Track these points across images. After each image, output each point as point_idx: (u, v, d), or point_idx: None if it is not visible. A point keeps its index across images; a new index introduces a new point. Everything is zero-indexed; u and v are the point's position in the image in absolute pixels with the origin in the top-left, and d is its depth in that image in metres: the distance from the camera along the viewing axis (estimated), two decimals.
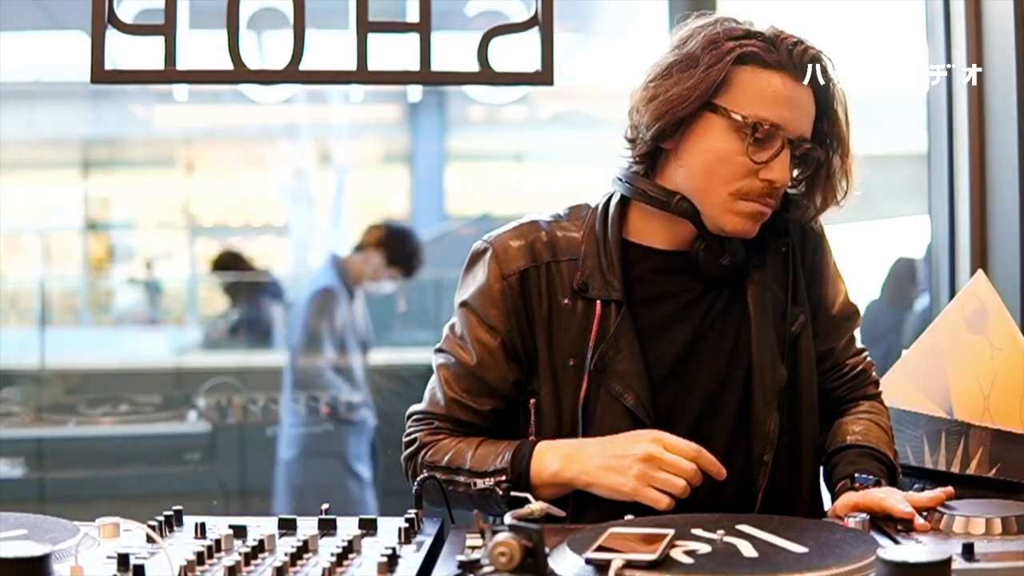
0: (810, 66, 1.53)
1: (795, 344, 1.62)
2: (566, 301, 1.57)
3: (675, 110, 1.51)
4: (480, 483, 1.52)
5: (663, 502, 1.43)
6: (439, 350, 1.66)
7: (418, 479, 1.52)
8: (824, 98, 1.56)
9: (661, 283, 1.60)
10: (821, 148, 1.57)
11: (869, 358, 1.74)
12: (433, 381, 1.65)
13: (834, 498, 1.56)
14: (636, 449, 1.46)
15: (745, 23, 1.54)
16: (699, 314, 1.59)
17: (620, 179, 1.61)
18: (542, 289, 1.58)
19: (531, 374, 1.59)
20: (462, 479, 1.54)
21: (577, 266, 1.58)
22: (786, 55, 1.51)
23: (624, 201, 1.62)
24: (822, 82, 1.54)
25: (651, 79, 1.54)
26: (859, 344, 1.74)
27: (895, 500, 1.41)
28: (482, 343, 1.59)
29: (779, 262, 1.63)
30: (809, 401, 1.63)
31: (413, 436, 1.63)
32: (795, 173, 1.57)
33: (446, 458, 1.57)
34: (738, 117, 1.50)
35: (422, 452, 1.60)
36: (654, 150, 1.57)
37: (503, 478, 1.51)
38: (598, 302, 1.56)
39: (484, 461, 1.54)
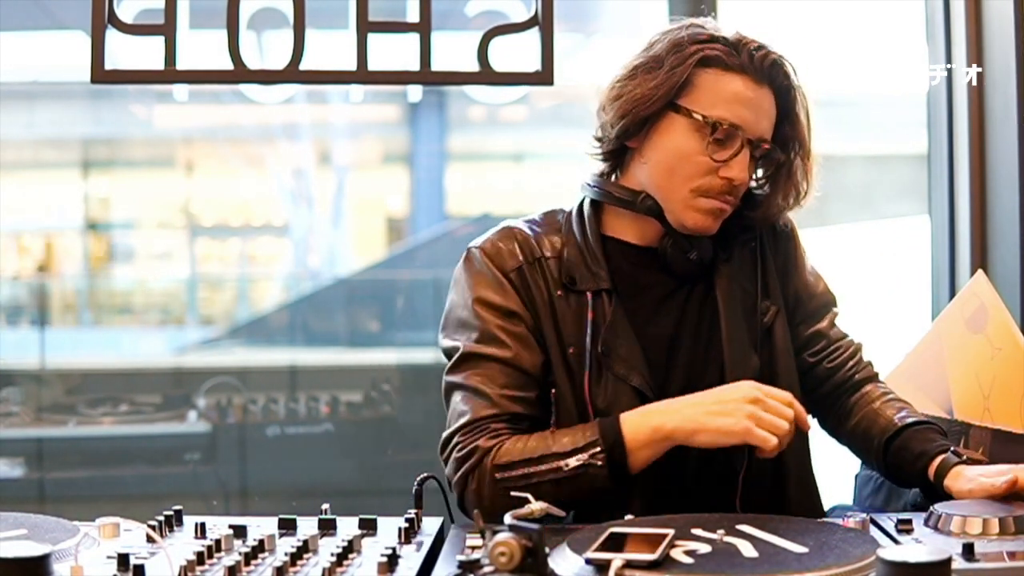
0: (771, 70, 1.57)
1: (769, 334, 1.66)
2: (559, 293, 1.61)
3: (639, 109, 1.56)
4: (573, 461, 1.47)
5: (771, 442, 1.43)
6: (457, 367, 1.60)
7: (418, 479, 1.52)
8: (785, 101, 1.61)
9: (639, 275, 1.64)
10: (783, 150, 1.62)
11: (856, 342, 1.78)
12: (460, 397, 1.59)
13: (921, 474, 1.57)
14: (739, 393, 1.47)
15: (711, 28, 1.59)
16: (676, 307, 1.64)
17: (588, 184, 1.67)
18: (538, 283, 1.61)
19: (546, 364, 1.60)
20: (547, 466, 1.48)
21: (562, 263, 1.62)
22: (748, 59, 1.56)
23: (596, 201, 1.67)
24: (783, 85, 1.60)
25: (617, 79, 1.60)
26: (843, 330, 1.78)
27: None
28: (510, 333, 1.59)
29: (748, 257, 1.69)
30: (787, 389, 1.64)
31: (471, 446, 1.54)
32: (758, 173, 1.62)
33: (524, 451, 1.50)
34: (699, 117, 1.55)
35: (486, 458, 1.52)
36: (620, 148, 1.63)
37: (597, 449, 1.47)
38: (588, 293, 1.59)
39: (568, 442, 1.49)
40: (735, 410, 1.45)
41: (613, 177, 1.68)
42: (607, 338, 1.58)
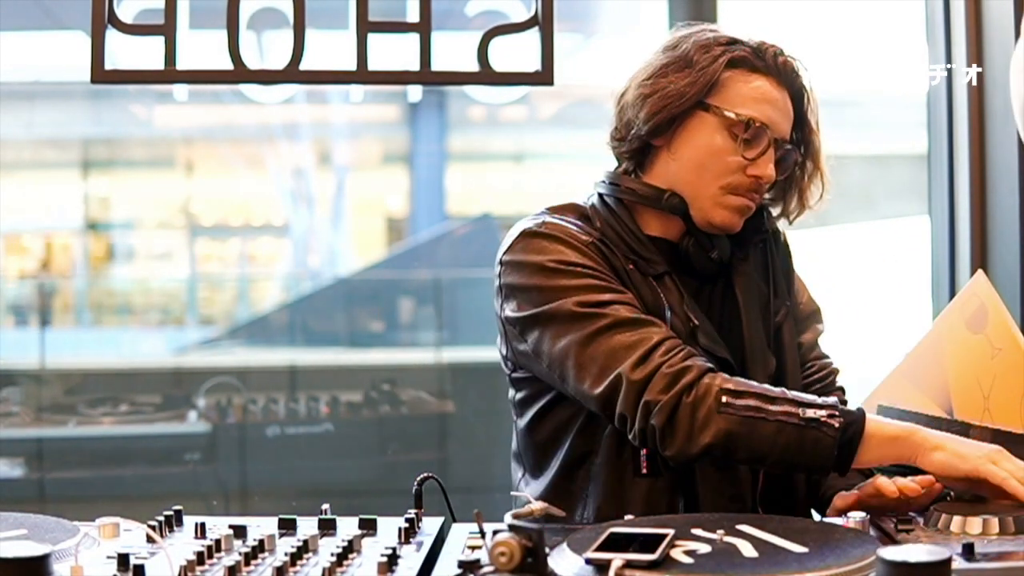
0: (790, 74, 1.62)
1: (779, 333, 1.68)
2: (631, 266, 1.60)
3: (671, 107, 1.58)
4: (809, 412, 1.41)
5: (1000, 475, 1.38)
6: (576, 318, 1.49)
7: (418, 479, 1.51)
8: (800, 106, 1.65)
9: (675, 269, 1.65)
10: (803, 152, 1.66)
11: (834, 365, 1.78)
12: (618, 332, 1.48)
13: (827, 506, 1.58)
14: (988, 445, 1.44)
15: (727, 32, 1.63)
16: (705, 303, 1.66)
17: (608, 182, 1.67)
18: (607, 255, 1.59)
19: None
20: (781, 408, 1.42)
21: (615, 249, 1.61)
22: (772, 62, 1.61)
23: (619, 199, 1.67)
24: (799, 90, 1.64)
25: (645, 78, 1.61)
26: (823, 349, 1.79)
27: (884, 481, 1.45)
28: (613, 283, 1.55)
29: (759, 257, 1.71)
30: (795, 389, 1.66)
31: (682, 364, 1.45)
32: (780, 174, 1.63)
33: (755, 386, 1.45)
34: (731, 115, 1.58)
35: (707, 377, 1.44)
36: (644, 146, 1.64)
37: (836, 412, 1.42)
38: (651, 277, 1.60)
39: (804, 398, 1.44)
40: (976, 448, 1.42)
41: (635, 176, 1.68)
42: (691, 314, 1.58)
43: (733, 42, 1.61)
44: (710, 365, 1.48)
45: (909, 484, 1.43)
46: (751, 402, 1.42)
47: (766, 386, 1.47)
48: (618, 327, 1.49)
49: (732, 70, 1.59)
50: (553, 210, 1.66)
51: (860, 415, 1.44)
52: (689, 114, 1.60)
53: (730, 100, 1.59)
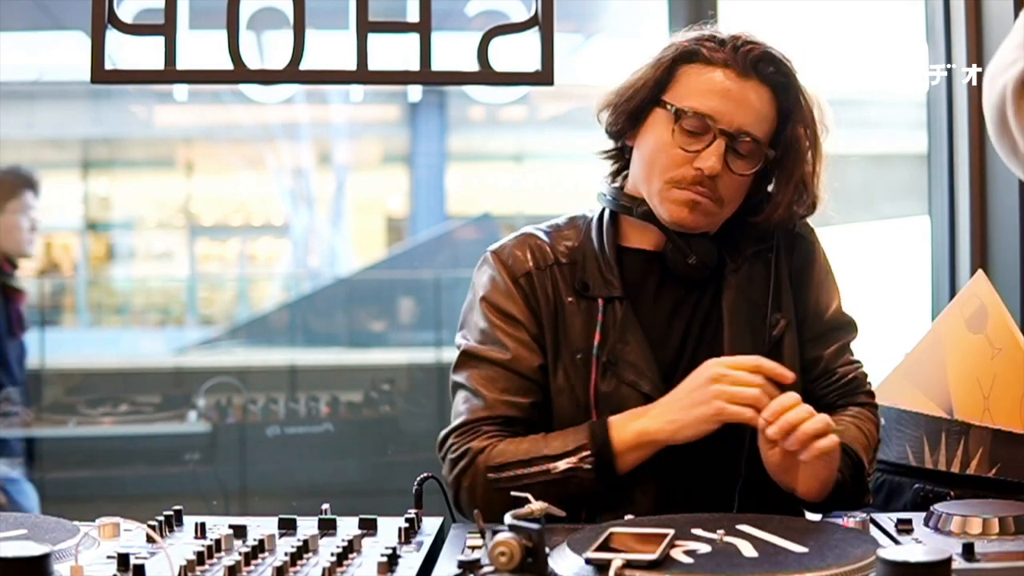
0: (757, 64, 1.57)
1: (777, 347, 1.63)
2: (570, 299, 1.62)
3: (619, 101, 1.62)
4: (562, 464, 1.51)
5: (746, 414, 1.45)
6: (460, 365, 1.64)
7: (418, 479, 1.52)
8: (786, 100, 1.60)
9: (652, 284, 1.65)
10: (786, 150, 1.61)
11: (863, 369, 1.73)
12: (461, 397, 1.63)
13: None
14: (703, 377, 1.50)
15: (710, 30, 1.61)
16: (686, 315, 1.64)
17: (601, 193, 1.70)
18: (548, 290, 1.63)
19: (544, 368, 1.63)
20: (537, 468, 1.52)
21: (575, 269, 1.64)
22: (731, 53, 1.57)
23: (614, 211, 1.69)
24: (779, 82, 1.58)
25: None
26: (853, 356, 1.73)
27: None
28: (511, 336, 1.62)
29: (760, 267, 1.66)
30: None
31: (463, 448, 1.58)
32: (743, 169, 1.57)
33: (516, 453, 1.55)
34: (670, 108, 1.57)
35: (479, 459, 1.56)
36: (621, 148, 1.68)
37: (586, 453, 1.51)
38: (600, 300, 1.61)
39: (558, 445, 1.54)
40: (703, 396, 1.48)
41: (619, 179, 1.69)
42: (615, 345, 1.59)
43: (698, 38, 1.59)
44: (487, 443, 1.56)
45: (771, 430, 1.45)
46: (512, 472, 1.53)
47: (524, 445, 1.55)
48: (467, 391, 1.62)
49: (688, 65, 1.59)
50: (559, 224, 1.71)
51: (604, 439, 1.52)
52: (648, 111, 1.60)
53: (680, 94, 1.58)
